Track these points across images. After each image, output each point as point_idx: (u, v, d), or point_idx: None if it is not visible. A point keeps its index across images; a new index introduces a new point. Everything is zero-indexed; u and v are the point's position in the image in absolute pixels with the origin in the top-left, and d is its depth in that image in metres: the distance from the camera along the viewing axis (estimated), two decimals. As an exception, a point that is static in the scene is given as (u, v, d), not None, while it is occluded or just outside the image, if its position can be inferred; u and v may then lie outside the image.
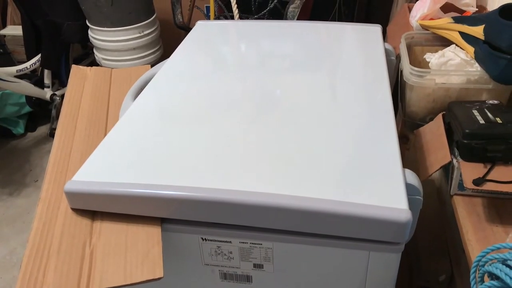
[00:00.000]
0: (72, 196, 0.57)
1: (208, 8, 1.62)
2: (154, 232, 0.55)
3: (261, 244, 0.57)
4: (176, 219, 0.56)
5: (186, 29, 1.58)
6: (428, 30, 0.91)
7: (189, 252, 0.59)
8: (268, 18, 1.45)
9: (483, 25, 0.75)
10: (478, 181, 0.60)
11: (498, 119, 0.65)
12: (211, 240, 0.58)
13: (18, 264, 1.38)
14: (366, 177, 0.55)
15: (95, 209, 0.58)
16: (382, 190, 0.53)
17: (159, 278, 0.50)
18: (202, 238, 0.58)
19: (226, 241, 0.57)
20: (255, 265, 0.59)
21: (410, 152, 0.92)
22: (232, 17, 1.42)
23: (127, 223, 0.56)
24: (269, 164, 0.58)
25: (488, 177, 0.60)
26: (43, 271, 0.52)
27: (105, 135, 0.71)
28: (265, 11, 1.44)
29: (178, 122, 0.67)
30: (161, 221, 0.57)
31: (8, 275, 1.35)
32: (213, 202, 0.53)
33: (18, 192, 1.66)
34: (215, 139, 0.63)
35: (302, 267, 0.58)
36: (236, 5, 1.33)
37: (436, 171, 0.66)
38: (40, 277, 0.51)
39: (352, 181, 0.54)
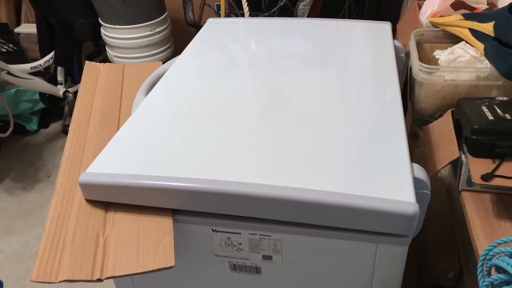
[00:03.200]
0: (86, 187, 0.59)
1: (218, 6, 1.63)
2: (165, 223, 0.56)
3: (270, 235, 0.57)
4: (187, 210, 0.57)
5: (197, 26, 1.60)
6: (437, 27, 0.91)
7: (200, 243, 0.60)
8: (278, 16, 1.46)
9: (493, 22, 0.75)
10: (486, 177, 0.60)
11: (507, 115, 0.65)
12: (221, 232, 0.59)
13: (31, 257, 1.40)
14: (374, 171, 0.56)
15: (109, 200, 0.59)
16: (390, 183, 0.54)
17: (170, 267, 0.52)
18: (212, 229, 0.59)
19: (236, 233, 0.58)
20: (264, 257, 0.60)
21: (420, 150, 0.92)
22: (242, 15, 1.43)
23: (139, 214, 0.58)
24: (278, 158, 0.59)
25: (497, 173, 0.60)
26: (59, 259, 0.53)
27: (118, 129, 0.72)
28: (275, 8, 1.45)
29: (188, 117, 0.69)
30: (172, 212, 0.58)
31: (22, 267, 1.37)
32: (223, 194, 0.54)
33: (31, 187, 1.69)
34: (225, 133, 0.64)
35: (310, 259, 0.59)
36: (246, 3, 1.34)
37: (444, 167, 0.66)
38: (56, 265, 0.52)
39: (360, 174, 0.55)
